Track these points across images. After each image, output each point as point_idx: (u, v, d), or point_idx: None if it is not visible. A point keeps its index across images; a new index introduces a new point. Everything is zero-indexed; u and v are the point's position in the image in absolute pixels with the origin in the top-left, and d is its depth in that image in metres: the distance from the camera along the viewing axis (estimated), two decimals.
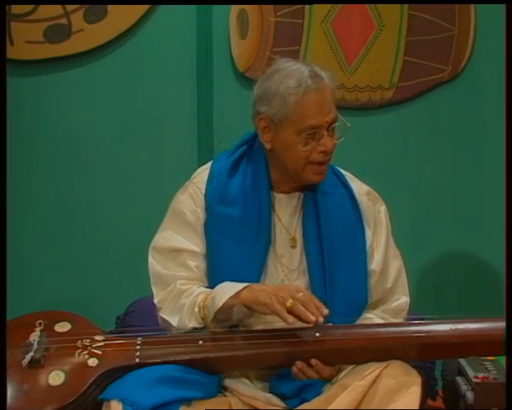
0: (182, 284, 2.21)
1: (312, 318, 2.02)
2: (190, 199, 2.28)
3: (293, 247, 2.28)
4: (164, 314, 2.21)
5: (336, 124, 2.21)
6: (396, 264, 2.34)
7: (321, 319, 2.03)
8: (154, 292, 2.26)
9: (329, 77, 2.21)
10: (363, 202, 2.32)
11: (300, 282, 2.24)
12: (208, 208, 2.26)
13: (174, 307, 2.19)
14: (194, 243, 2.24)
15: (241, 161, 2.30)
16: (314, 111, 2.17)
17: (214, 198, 2.26)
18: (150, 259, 2.28)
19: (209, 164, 2.34)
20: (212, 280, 2.21)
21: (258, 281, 2.20)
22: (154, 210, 2.37)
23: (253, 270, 2.21)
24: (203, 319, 2.13)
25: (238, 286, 2.10)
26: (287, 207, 2.29)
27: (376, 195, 2.38)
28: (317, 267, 2.23)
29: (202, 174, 2.32)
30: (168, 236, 2.27)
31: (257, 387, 2.17)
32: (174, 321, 2.18)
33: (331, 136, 2.20)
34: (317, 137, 2.18)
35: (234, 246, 2.22)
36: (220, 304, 2.08)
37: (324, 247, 2.24)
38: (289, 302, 2.04)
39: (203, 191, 2.28)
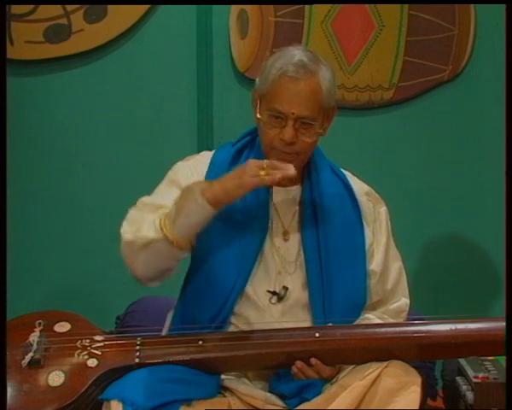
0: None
1: (291, 170, 2.05)
2: (188, 169, 2.27)
3: (286, 240, 2.26)
4: (125, 236, 2.14)
5: (308, 122, 2.15)
6: (396, 265, 2.33)
7: (291, 167, 2.06)
8: (122, 229, 2.18)
9: (325, 77, 2.16)
10: (362, 201, 2.31)
11: (298, 275, 2.23)
12: None
13: (134, 225, 2.14)
14: None
15: (243, 151, 2.30)
16: (282, 97, 2.14)
17: None
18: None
19: (212, 152, 2.33)
20: (208, 261, 2.19)
21: (253, 266, 2.19)
22: None
23: (249, 253, 2.20)
24: (162, 230, 2.08)
25: (198, 190, 2.07)
26: (284, 199, 2.27)
27: (377, 195, 2.37)
28: (315, 263, 2.22)
29: (206, 156, 2.31)
30: (154, 196, 2.24)
31: (256, 387, 2.17)
32: (132, 234, 2.12)
33: (296, 130, 2.15)
34: (282, 124, 2.16)
35: (231, 230, 2.20)
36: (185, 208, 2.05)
37: (321, 244, 2.23)
38: (263, 172, 2.05)
39: (203, 173, 2.25)
